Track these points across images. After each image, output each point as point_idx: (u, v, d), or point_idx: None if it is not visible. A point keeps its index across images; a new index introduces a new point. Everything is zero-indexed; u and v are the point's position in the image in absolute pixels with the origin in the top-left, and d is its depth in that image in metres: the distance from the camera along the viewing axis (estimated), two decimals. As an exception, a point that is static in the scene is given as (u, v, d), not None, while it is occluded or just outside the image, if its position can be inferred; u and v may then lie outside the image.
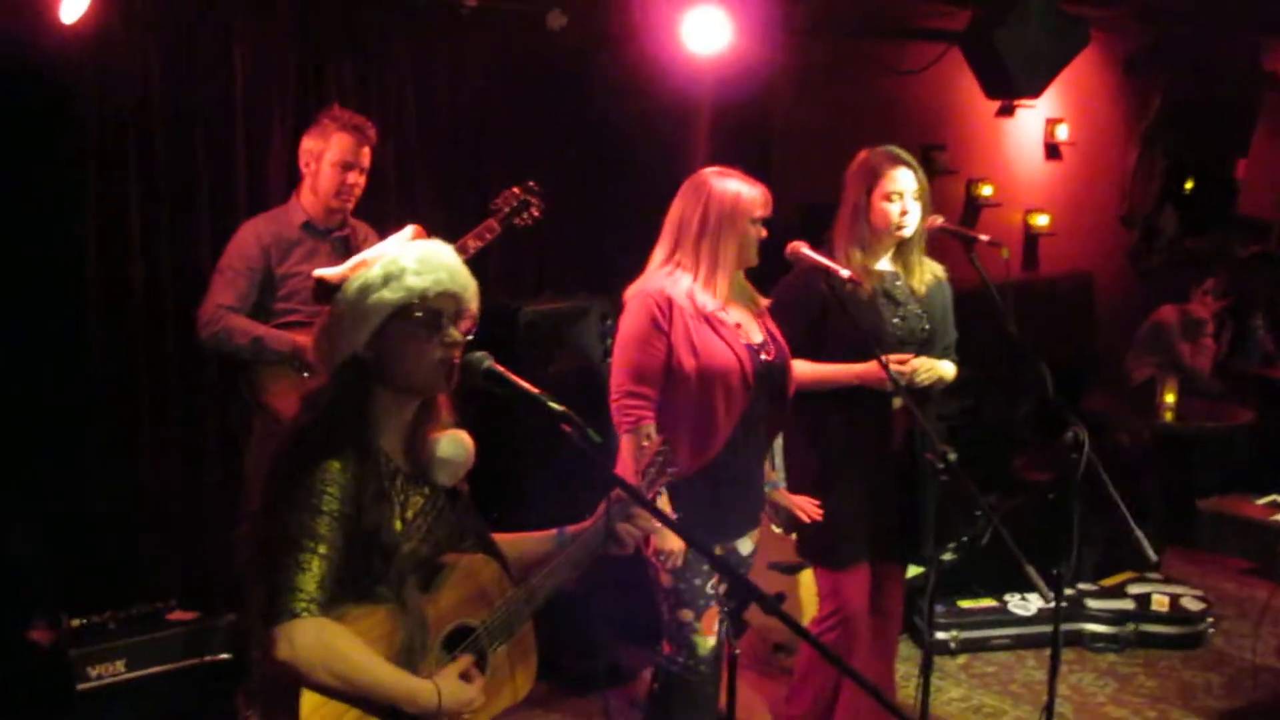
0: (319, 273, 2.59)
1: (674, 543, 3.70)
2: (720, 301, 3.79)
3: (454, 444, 2.62)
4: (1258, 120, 9.78)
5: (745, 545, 3.96)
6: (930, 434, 3.79)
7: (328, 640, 2.33)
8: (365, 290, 2.49)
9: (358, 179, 4.56)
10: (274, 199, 4.83)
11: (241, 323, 4.43)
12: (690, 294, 3.75)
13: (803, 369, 4.07)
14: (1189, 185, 9.45)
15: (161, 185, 4.86)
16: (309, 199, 4.56)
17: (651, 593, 3.89)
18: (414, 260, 2.53)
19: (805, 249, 4.02)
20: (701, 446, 3.69)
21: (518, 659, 2.71)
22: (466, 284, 2.58)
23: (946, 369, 4.19)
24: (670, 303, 3.74)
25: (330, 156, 4.49)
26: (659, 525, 2.92)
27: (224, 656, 4.23)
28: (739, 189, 3.80)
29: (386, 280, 2.49)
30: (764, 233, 3.82)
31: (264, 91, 5.03)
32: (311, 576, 2.34)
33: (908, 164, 4.13)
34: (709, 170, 3.86)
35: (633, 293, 3.84)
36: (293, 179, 4.72)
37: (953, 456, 3.66)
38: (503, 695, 2.68)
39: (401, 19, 5.24)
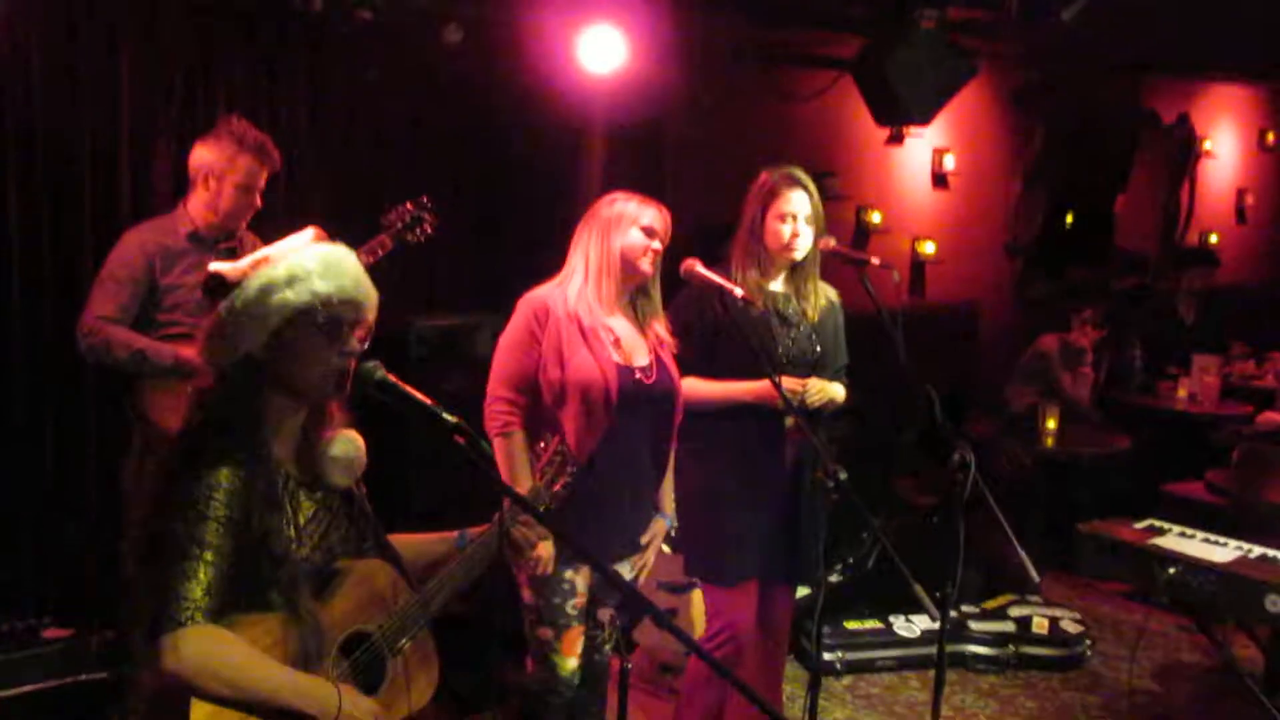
0: (215, 266, 2.52)
1: (542, 548, 3.62)
2: (604, 312, 3.78)
3: (346, 444, 2.57)
4: (1136, 157, 10.03)
5: (622, 570, 3.89)
6: (822, 453, 3.79)
7: (216, 648, 2.27)
8: (268, 289, 2.42)
9: (257, 201, 4.46)
10: (159, 207, 4.71)
11: (122, 334, 4.29)
12: (572, 303, 3.73)
13: (696, 386, 4.07)
14: (1069, 219, 9.65)
15: (42, 191, 4.72)
16: (199, 211, 4.42)
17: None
18: (319, 264, 2.47)
19: (699, 267, 4.02)
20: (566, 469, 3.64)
21: (417, 665, 2.66)
22: (369, 293, 2.54)
23: (837, 391, 4.21)
24: (548, 311, 3.73)
25: (233, 178, 4.37)
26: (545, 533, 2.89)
27: (100, 676, 4.09)
28: (627, 200, 3.82)
29: (290, 281, 2.43)
30: (655, 246, 3.80)
31: (151, 97, 4.91)
32: (198, 584, 2.27)
33: (804, 186, 4.17)
34: (615, 194, 3.87)
35: (522, 299, 3.83)
36: (179, 187, 4.60)
37: (844, 476, 3.66)
38: (399, 702, 2.62)
39: (298, 28, 5.15)
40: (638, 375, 3.79)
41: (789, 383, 4.02)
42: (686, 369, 4.08)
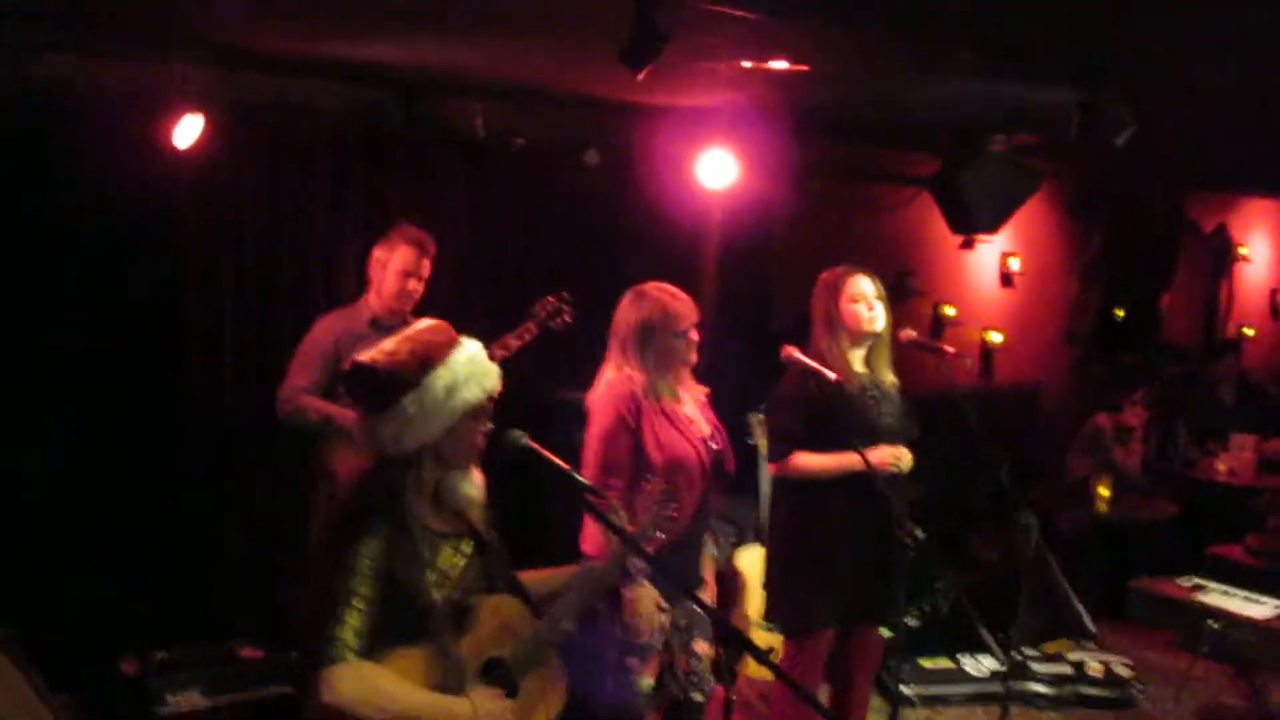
0: (360, 356, 2.54)
1: (644, 612, 3.62)
2: (674, 396, 3.77)
3: (467, 482, 2.57)
4: (1179, 260, 9.78)
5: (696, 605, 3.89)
6: (903, 516, 3.72)
7: (367, 679, 2.31)
8: (453, 390, 2.46)
9: (417, 286, 4.56)
10: (345, 300, 4.83)
11: (313, 402, 4.41)
12: (648, 394, 3.72)
13: (807, 460, 4.02)
14: (1120, 313, 9.42)
15: (249, 288, 4.93)
16: (375, 300, 4.56)
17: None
18: (478, 363, 2.53)
19: (797, 353, 4.00)
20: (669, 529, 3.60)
21: (546, 685, 2.66)
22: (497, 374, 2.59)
23: (911, 457, 4.14)
24: (637, 402, 3.69)
25: (395, 265, 4.50)
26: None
27: (287, 690, 4.13)
28: (658, 305, 3.76)
29: (468, 381, 2.48)
30: (692, 342, 3.77)
31: (338, 210, 5.08)
32: (349, 628, 2.32)
33: (864, 272, 4.13)
34: (644, 286, 3.84)
35: (598, 394, 3.79)
36: (361, 283, 4.73)
37: (920, 535, 3.59)
38: (536, 716, 2.62)
39: (460, 151, 5.26)
40: (712, 444, 3.80)
41: (889, 450, 3.97)
42: (794, 444, 4.05)
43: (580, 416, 5.24)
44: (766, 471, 4.98)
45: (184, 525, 4.73)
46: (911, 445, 4.19)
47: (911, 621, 5.63)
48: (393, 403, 2.44)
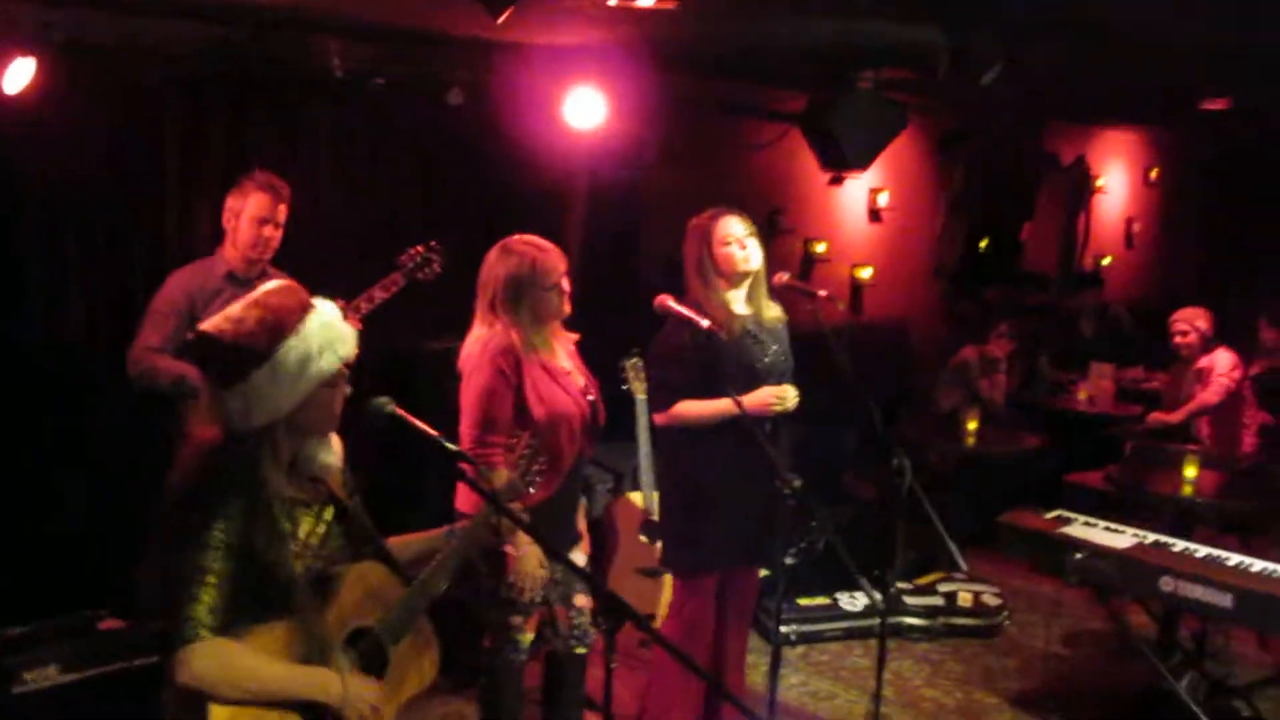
0: (202, 325, 2.42)
1: (528, 571, 3.63)
2: (550, 350, 3.73)
3: (324, 448, 2.48)
4: (1039, 192, 10.03)
5: (577, 559, 3.89)
6: (778, 463, 3.73)
7: (224, 657, 2.22)
8: (305, 360, 2.33)
9: (273, 233, 4.41)
10: (203, 254, 4.63)
11: (165, 362, 4.23)
12: (531, 346, 3.67)
13: (688, 408, 4.02)
14: (984, 245, 9.63)
15: (100, 239, 4.65)
16: (231, 252, 4.40)
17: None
18: (335, 329, 2.41)
19: (671, 302, 3.97)
20: (548, 483, 3.51)
21: (418, 650, 2.59)
22: (353, 337, 2.48)
23: (795, 396, 4.17)
24: (516, 356, 3.64)
25: (249, 213, 4.35)
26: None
27: (153, 659, 3.98)
28: (525, 258, 3.69)
29: (322, 352, 2.36)
30: (565, 291, 3.72)
31: (192, 156, 4.83)
32: (202, 605, 2.22)
33: (734, 213, 4.11)
34: (511, 239, 3.77)
35: (474, 351, 3.72)
36: (218, 235, 4.54)
37: (798, 484, 3.62)
38: (408, 683, 2.57)
39: (321, 92, 5.06)
40: (588, 396, 3.79)
41: (772, 391, 3.99)
42: (676, 395, 4.04)
43: (448, 366, 5.16)
44: (643, 418, 4.99)
45: (38, 493, 4.51)
46: (793, 381, 4.23)
47: (789, 561, 5.75)
48: (240, 377, 2.30)
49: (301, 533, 2.41)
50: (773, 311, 4.25)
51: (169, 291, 4.32)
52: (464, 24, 4.79)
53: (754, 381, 4.01)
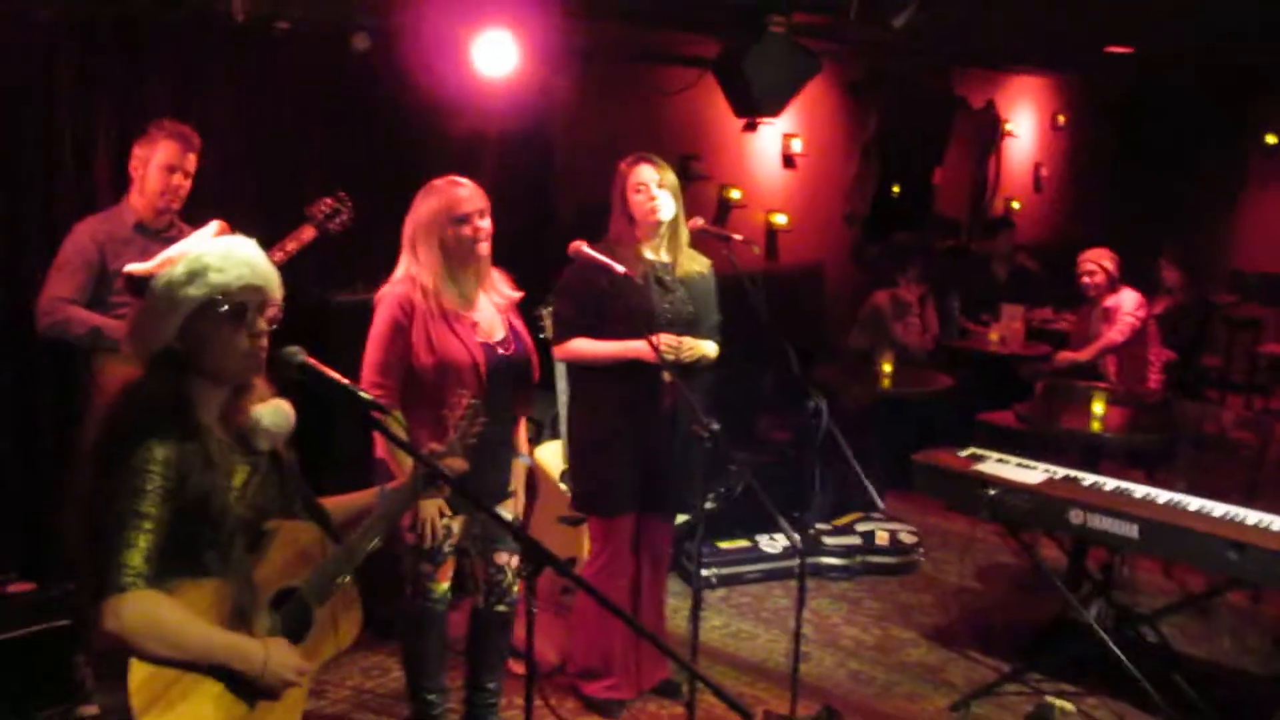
0: (129, 268, 2.40)
1: (426, 517, 3.64)
2: (460, 299, 3.69)
3: (275, 413, 2.44)
4: (950, 137, 10.13)
5: (503, 513, 3.87)
6: (695, 407, 3.76)
7: (154, 611, 2.15)
8: (170, 286, 2.31)
9: (182, 181, 4.32)
10: (102, 203, 4.50)
11: (79, 313, 4.16)
12: (430, 294, 3.64)
13: (584, 346, 4.10)
14: (896, 190, 9.72)
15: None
16: (138, 200, 4.31)
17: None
18: (217, 256, 2.35)
19: (585, 247, 3.98)
20: (441, 434, 3.54)
21: (340, 610, 2.57)
22: (269, 276, 2.41)
23: (709, 348, 4.22)
24: (412, 303, 3.63)
25: (157, 160, 4.27)
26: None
27: (63, 623, 3.90)
28: (442, 195, 3.68)
29: (190, 277, 2.31)
30: (479, 228, 3.68)
31: (90, 104, 4.67)
32: (137, 552, 2.15)
33: (650, 161, 4.15)
34: (434, 180, 3.74)
35: (381, 294, 3.71)
36: (119, 185, 4.42)
37: (716, 428, 3.65)
38: (327, 644, 2.54)
39: (221, 37, 4.92)
40: (499, 350, 3.74)
41: (667, 339, 4.03)
42: (576, 332, 4.07)
43: (359, 318, 5.12)
44: (560, 366, 4.98)
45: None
46: (709, 334, 4.25)
47: (709, 506, 5.80)
48: (137, 303, 2.35)
49: (236, 480, 2.36)
50: (695, 264, 4.27)
51: (78, 242, 4.22)
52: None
53: (654, 327, 4.04)
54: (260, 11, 4.84)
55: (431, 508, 3.65)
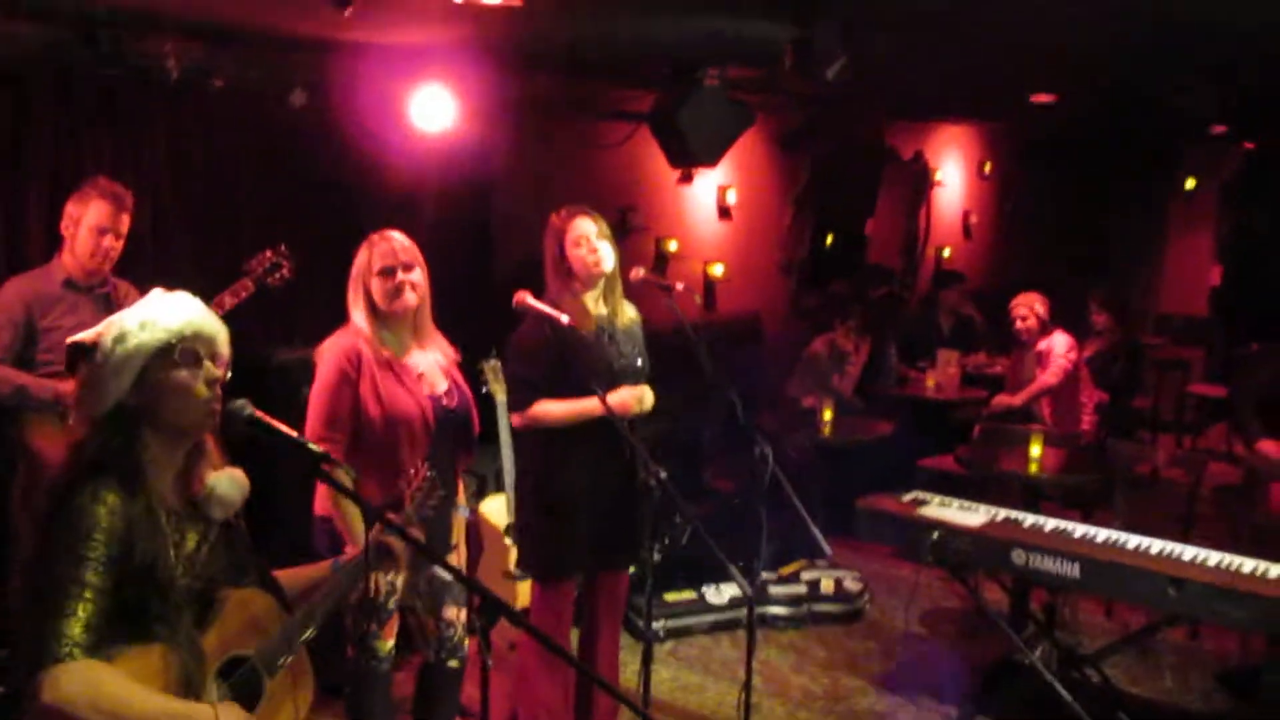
0: (73, 338, 2.37)
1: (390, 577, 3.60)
2: (397, 348, 3.69)
3: (230, 482, 2.42)
4: (881, 187, 10.32)
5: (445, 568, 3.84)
6: (645, 456, 3.77)
7: (94, 680, 2.08)
8: (122, 338, 2.28)
9: (114, 243, 4.29)
10: (34, 263, 4.44)
11: (5, 372, 4.09)
12: (375, 346, 3.64)
13: (547, 409, 4.01)
14: (829, 240, 9.86)
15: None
16: (69, 260, 4.27)
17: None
18: (164, 306, 2.35)
19: (529, 299, 3.96)
20: (388, 485, 3.42)
21: (293, 681, 2.51)
22: (216, 326, 2.40)
23: (651, 398, 4.21)
24: (359, 355, 3.61)
25: (89, 221, 4.23)
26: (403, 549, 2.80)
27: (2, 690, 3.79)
28: (370, 247, 3.68)
29: (142, 326, 2.30)
30: (404, 281, 3.65)
31: (22, 163, 4.62)
32: (76, 621, 2.09)
33: (584, 213, 4.12)
34: (371, 234, 3.74)
35: (324, 346, 3.70)
36: (52, 243, 4.37)
37: (664, 475, 3.66)
38: (283, 715, 2.49)
39: (157, 94, 4.89)
40: (444, 402, 3.72)
41: (630, 392, 4.01)
42: (536, 393, 4.02)
43: (300, 375, 5.06)
44: (504, 419, 4.96)
45: None
46: (651, 382, 4.26)
47: (654, 558, 5.78)
48: (79, 367, 2.31)
49: (186, 548, 2.33)
50: (629, 314, 4.28)
51: (5, 301, 4.19)
52: (305, 23, 4.70)
53: (612, 381, 4.03)
54: (195, 68, 4.83)
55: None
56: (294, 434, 2.38)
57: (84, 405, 2.31)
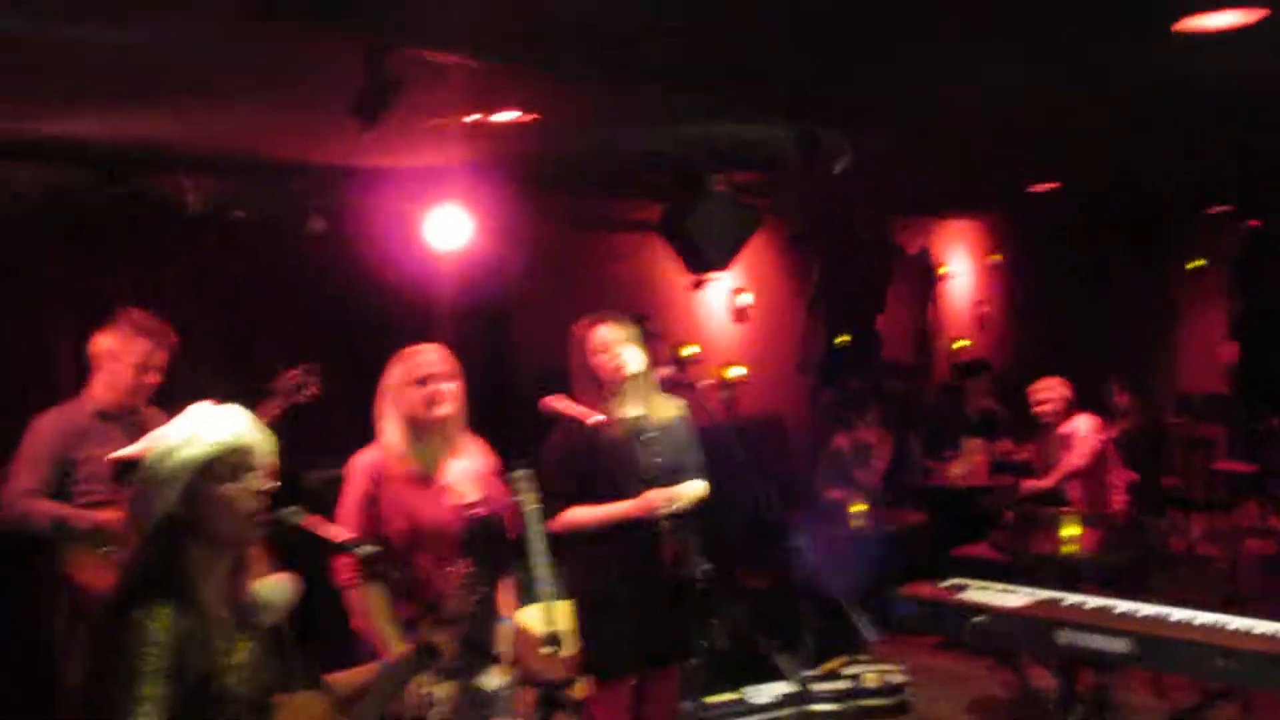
0: (115, 454, 2.43)
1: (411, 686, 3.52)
2: (427, 463, 3.71)
3: (277, 588, 2.44)
4: (889, 283, 10.39)
5: (490, 681, 3.79)
6: (689, 552, 3.76)
7: None
8: (168, 453, 2.33)
9: (154, 379, 4.35)
10: (63, 391, 4.51)
11: (42, 505, 4.13)
12: (402, 459, 3.66)
13: (579, 515, 4.04)
14: (843, 339, 9.91)
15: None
16: (103, 392, 4.31)
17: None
18: (209, 419, 2.39)
19: (556, 402, 4.00)
20: (419, 593, 3.46)
21: None
22: (262, 438, 2.45)
23: (698, 489, 4.20)
24: (381, 470, 3.65)
25: (129, 359, 4.29)
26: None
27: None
28: (404, 360, 3.75)
29: (188, 441, 2.34)
30: (440, 391, 3.72)
31: (46, 298, 4.74)
32: None
33: (604, 320, 4.18)
34: (403, 349, 3.80)
35: (353, 461, 3.74)
36: (80, 371, 4.43)
37: (709, 567, 3.65)
38: None
39: (177, 225, 5.02)
40: (472, 512, 3.73)
41: (659, 494, 4.00)
42: (568, 500, 4.04)
43: (329, 496, 5.09)
44: (535, 527, 4.95)
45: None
46: (697, 476, 4.25)
47: (694, 661, 5.72)
48: (130, 481, 2.38)
49: (237, 657, 2.34)
50: (668, 410, 4.28)
51: (39, 436, 4.22)
52: (321, 152, 4.85)
53: (645, 483, 4.02)
54: (217, 200, 4.97)
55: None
56: (344, 536, 2.41)
57: (133, 520, 2.35)
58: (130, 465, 2.37)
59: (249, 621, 2.41)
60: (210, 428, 2.37)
